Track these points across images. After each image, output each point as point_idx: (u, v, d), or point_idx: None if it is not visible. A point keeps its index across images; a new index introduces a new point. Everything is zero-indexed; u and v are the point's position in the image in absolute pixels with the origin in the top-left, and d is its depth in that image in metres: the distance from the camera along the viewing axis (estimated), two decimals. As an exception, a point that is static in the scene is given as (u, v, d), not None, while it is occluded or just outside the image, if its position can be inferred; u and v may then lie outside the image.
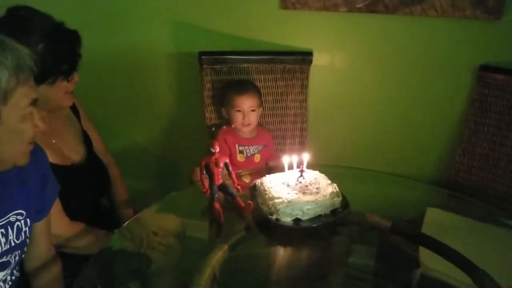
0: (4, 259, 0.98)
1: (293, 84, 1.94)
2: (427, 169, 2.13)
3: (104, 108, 1.95)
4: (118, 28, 1.90)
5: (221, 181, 1.27)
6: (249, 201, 1.25)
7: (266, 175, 1.32)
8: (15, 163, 0.95)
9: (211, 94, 1.87)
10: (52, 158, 1.19)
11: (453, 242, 1.21)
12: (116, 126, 2.06)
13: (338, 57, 2.03)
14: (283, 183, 1.26)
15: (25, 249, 1.05)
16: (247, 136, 1.77)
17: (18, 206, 1.00)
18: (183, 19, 1.91)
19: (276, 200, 1.18)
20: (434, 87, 2.01)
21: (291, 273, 1.23)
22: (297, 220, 1.18)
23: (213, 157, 1.24)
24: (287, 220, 1.18)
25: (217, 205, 1.25)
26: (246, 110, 1.71)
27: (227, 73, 1.88)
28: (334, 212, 1.22)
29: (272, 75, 1.92)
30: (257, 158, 1.78)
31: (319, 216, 1.20)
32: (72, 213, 1.24)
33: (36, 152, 1.02)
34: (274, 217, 1.18)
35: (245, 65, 1.89)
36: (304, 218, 1.18)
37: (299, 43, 1.96)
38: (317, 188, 1.24)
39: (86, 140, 1.44)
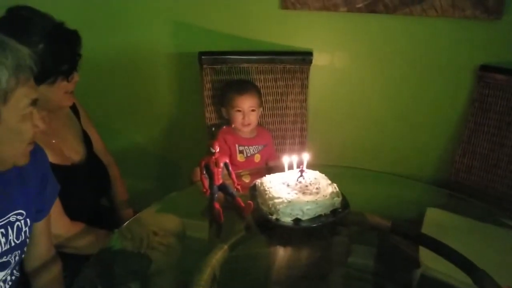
0: (4, 259, 0.98)
1: (293, 84, 1.94)
2: (427, 169, 2.13)
3: (104, 108, 1.95)
4: (118, 28, 1.90)
5: (221, 181, 1.27)
6: (249, 201, 1.25)
7: (266, 175, 1.32)
8: (15, 163, 0.95)
9: (211, 94, 1.87)
10: (52, 158, 1.19)
11: (453, 242, 1.21)
12: (116, 126, 2.06)
13: (338, 57, 2.03)
14: (283, 183, 1.26)
15: (25, 249, 1.05)
16: (247, 136, 1.77)
17: (18, 206, 1.00)
18: (183, 19, 1.92)
19: (276, 200, 1.18)
20: (434, 87, 2.01)
21: (291, 273, 1.23)
22: (297, 220, 1.18)
23: (213, 157, 1.24)
24: (287, 220, 1.18)
25: (217, 205, 1.25)
26: (246, 110, 1.71)
27: (227, 73, 1.88)
28: (334, 212, 1.22)
29: (272, 75, 1.92)
30: (257, 158, 1.78)
31: (319, 216, 1.20)
32: (72, 213, 1.24)
33: (36, 152, 1.02)
34: (274, 217, 1.19)
35: (245, 65, 1.89)
36: (304, 218, 1.18)
37: (299, 43, 1.96)
38: (317, 188, 1.24)
39: (86, 140, 1.44)
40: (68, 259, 1.20)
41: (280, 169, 1.33)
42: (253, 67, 1.90)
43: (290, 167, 1.31)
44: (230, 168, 1.30)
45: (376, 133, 2.11)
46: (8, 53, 0.85)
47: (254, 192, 1.30)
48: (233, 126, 1.75)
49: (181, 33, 1.94)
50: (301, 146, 1.97)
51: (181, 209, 1.42)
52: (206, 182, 1.26)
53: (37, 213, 1.07)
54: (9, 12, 1.17)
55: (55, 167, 1.17)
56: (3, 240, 0.96)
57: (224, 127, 1.80)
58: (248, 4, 1.90)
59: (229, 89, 1.77)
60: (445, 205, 1.53)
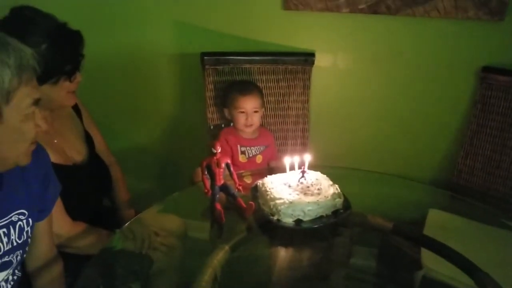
0: (6, 259, 0.99)
1: (295, 85, 1.94)
2: (429, 170, 2.12)
3: (106, 109, 1.96)
4: (120, 28, 1.91)
5: (222, 182, 1.27)
6: (251, 202, 1.25)
7: (268, 176, 1.32)
8: (17, 163, 0.95)
9: (213, 95, 1.87)
10: (54, 158, 1.20)
11: (455, 244, 1.21)
12: (118, 127, 2.07)
13: (340, 58, 2.02)
14: (285, 184, 1.26)
15: (27, 249, 1.06)
16: (249, 136, 1.77)
17: (20, 205, 1.01)
18: (186, 19, 1.92)
19: (278, 201, 1.18)
20: (436, 88, 2.01)
21: (292, 274, 1.23)
22: (298, 221, 1.18)
23: (215, 158, 1.24)
24: (289, 221, 1.18)
25: (218, 206, 1.25)
26: (249, 111, 1.71)
27: (229, 73, 1.88)
28: (335, 213, 1.22)
29: (274, 76, 1.92)
30: (259, 159, 1.78)
31: (321, 217, 1.20)
32: (73, 213, 1.24)
33: (38, 151, 1.02)
34: (275, 218, 1.19)
35: (247, 65, 1.89)
36: (306, 219, 1.18)
37: (301, 44, 1.96)
38: (318, 189, 1.24)
39: (88, 140, 1.44)
40: (70, 259, 1.21)
41: (282, 170, 1.33)
42: (255, 68, 1.90)
43: (292, 168, 1.31)
44: (232, 169, 1.30)
45: (377, 134, 2.11)
46: (11, 53, 0.85)
47: (256, 192, 1.30)
48: (235, 126, 1.76)
49: (184, 34, 1.94)
50: (303, 147, 1.97)
51: (183, 210, 1.43)
52: (208, 183, 1.26)
53: (39, 213, 1.07)
54: (12, 12, 1.17)
55: (57, 167, 1.17)
56: (5, 239, 0.97)
57: (226, 127, 1.80)
58: (250, 5, 1.90)
59: (232, 90, 1.77)
60: (447, 207, 1.53)
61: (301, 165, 1.30)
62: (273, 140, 1.87)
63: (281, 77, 1.93)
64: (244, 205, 1.26)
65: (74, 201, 1.23)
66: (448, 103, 2.02)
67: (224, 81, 1.87)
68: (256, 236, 1.28)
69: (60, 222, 1.19)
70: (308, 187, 1.25)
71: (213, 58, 1.85)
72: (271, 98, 1.93)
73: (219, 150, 1.24)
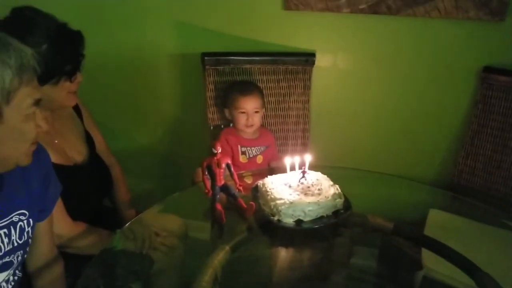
0: (6, 259, 0.99)
1: (295, 85, 1.94)
2: (430, 170, 2.12)
3: (107, 109, 1.96)
4: (121, 28, 1.91)
5: (223, 182, 1.27)
6: (251, 202, 1.25)
7: (268, 176, 1.32)
8: (18, 164, 0.95)
9: (213, 95, 1.87)
10: (54, 158, 1.20)
11: (456, 244, 1.21)
12: (119, 127, 2.07)
13: (340, 58, 2.02)
14: (285, 184, 1.26)
15: (27, 249, 1.06)
16: (249, 137, 1.77)
17: (21, 206, 1.01)
18: (186, 20, 1.92)
19: (278, 201, 1.18)
20: (437, 88, 2.01)
21: (293, 274, 1.23)
22: (299, 221, 1.18)
23: (215, 158, 1.24)
24: (289, 221, 1.18)
25: (219, 206, 1.25)
26: (250, 112, 1.71)
27: (229, 74, 1.88)
28: (336, 213, 1.22)
29: (275, 76, 1.93)
30: (260, 159, 1.78)
31: (321, 217, 1.20)
32: (74, 213, 1.24)
33: (39, 152, 1.02)
34: (276, 218, 1.19)
35: (248, 66, 1.89)
36: (306, 219, 1.18)
37: (302, 44, 1.96)
38: (319, 189, 1.24)
39: (89, 141, 1.44)
40: (70, 259, 1.21)
41: (282, 170, 1.33)
42: (256, 68, 1.90)
43: (292, 168, 1.31)
44: (232, 169, 1.30)
45: (378, 134, 2.11)
46: (11, 53, 0.85)
47: (256, 193, 1.30)
48: (236, 127, 1.76)
49: (184, 34, 1.94)
50: (303, 147, 1.97)
51: (183, 210, 1.43)
52: (208, 183, 1.26)
53: (39, 213, 1.07)
54: (13, 12, 1.17)
55: (57, 168, 1.17)
56: (6, 240, 0.97)
57: (226, 128, 1.80)
58: (251, 5, 1.90)
59: (232, 90, 1.77)
60: (447, 207, 1.53)
61: (301, 165, 1.30)
62: (274, 140, 1.87)
63: (282, 77, 1.93)
64: (244, 205, 1.26)
65: (75, 201, 1.23)
66: (448, 103, 2.02)
67: (225, 81, 1.87)
68: (257, 237, 1.28)
69: (60, 223, 1.19)
70: (308, 187, 1.25)
71: (213, 58, 1.85)
72: (271, 99, 1.93)
73: (220, 151, 1.24)
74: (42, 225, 1.10)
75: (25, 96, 0.88)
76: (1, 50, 0.84)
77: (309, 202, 1.18)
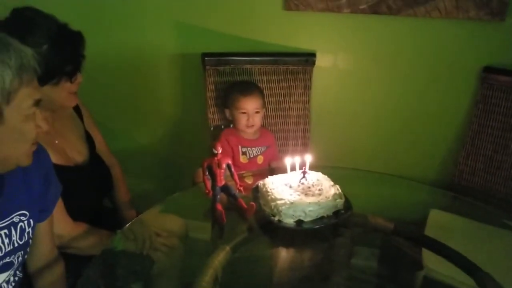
0: (7, 260, 0.99)
1: (296, 85, 1.94)
2: (430, 170, 2.12)
3: (107, 109, 1.96)
4: (121, 29, 1.91)
5: (223, 182, 1.27)
6: (252, 203, 1.25)
7: (269, 176, 1.32)
8: (18, 164, 0.95)
9: (214, 95, 1.87)
10: (55, 159, 1.20)
11: (456, 244, 1.21)
12: (119, 127, 2.07)
13: (341, 59, 2.02)
14: (286, 185, 1.26)
15: (28, 249, 1.06)
16: (250, 137, 1.77)
17: (21, 206, 1.01)
18: (187, 20, 1.92)
19: (279, 202, 1.18)
20: (437, 88, 2.01)
21: (293, 274, 1.23)
22: (299, 222, 1.18)
23: (216, 158, 1.24)
24: (290, 221, 1.18)
25: (219, 206, 1.25)
26: (251, 112, 1.71)
27: (230, 74, 1.88)
28: (336, 213, 1.22)
29: (275, 76, 1.93)
30: (260, 159, 1.78)
31: (322, 217, 1.20)
32: (74, 214, 1.24)
33: (39, 152, 1.02)
34: (276, 218, 1.18)
35: (248, 66, 1.89)
36: (307, 219, 1.18)
37: (302, 44, 1.96)
38: (319, 190, 1.24)
39: (89, 141, 1.44)
40: (71, 260, 1.21)
41: (283, 170, 1.33)
42: (256, 68, 1.90)
43: (293, 169, 1.31)
44: (233, 169, 1.30)
45: (378, 134, 2.11)
46: (11, 53, 0.85)
47: (257, 193, 1.30)
48: (236, 127, 1.75)
49: (184, 34, 1.94)
50: (304, 147, 1.97)
51: (184, 210, 1.42)
52: (209, 183, 1.26)
53: (40, 214, 1.07)
54: (13, 13, 1.17)
55: (58, 168, 1.17)
56: (6, 241, 0.97)
57: (227, 128, 1.80)
58: (251, 5, 1.90)
59: (233, 90, 1.77)
60: (448, 207, 1.53)
61: (302, 165, 1.30)
62: (274, 140, 1.87)
63: (282, 77, 1.93)
64: (245, 205, 1.26)
65: (75, 202, 1.23)
66: (449, 103, 2.02)
67: (225, 82, 1.87)
68: (257, 237, 1.28)
69: (61, 223, 1.19)
70: (309, 187, 1.25)
71: (214, 59, 1.85)
72: (272, 99, 1.93)
73: (220, 151, 1.24)
74: (43, 225, 1.10)
75: (25, 96, 0.88)
76: (1, 50, 0.84)
77: (309, 203, 1.18)
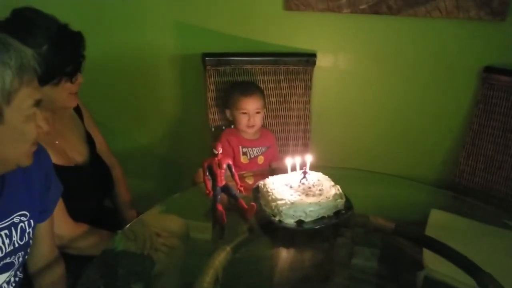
0: (7, 260, 0.99)
1: (296, 86, 1.94)
2: (431, 170, 2.12)
3: (108, 110, 1.96)
4: (122, 29, 1.91)
5: (224, 183, 1.27)
6: (252, 203, 1.25)
7: (269, 177, 1.32)
8: (18, 164, 0.95)
9: (214, 96, 1.87)
10: (55, 159, 1.20)
11: (457, 244, 1.21)
12: (120, 127, 2.07)
13: (341, 59, 2.02)
14: (286, 185, 1.26)
15: (28, 250, 1.06)
16: (250, 137, 1.77)
17: (21, 207, 1.01)
18: (187, 20, 1.92)
19: (279, 202, 1.18)
20: (438, 88, 2.01)
21: (294, 275, 1.23)
22: (300, 222, 1.18)
23: (216, 159, 1.24)
24: (290, 221, 1.17)
25: (220, 207, 1.25)
26: (251, 112, 1.71)
27: (230, 74, 1.88)
28: (337, 214, 1.22)
29: (276, 77, 1.93)
30: (261, 159, 1.78)
31: (322, 218, 1.20)
32: (75, 214, 1.24)
33: (39, 153, 1.02)
34: (277, 218, 1.18)
35: (249, 66, 1.89)
36: (307, 220, 1.18)
37: (303, 44, 1.96)
38: (320, 190, 1.24)
39: (90, 141, 1.44)
40: (71, 260, 1.21)
41: (283, 170, 1.33)
42: (257, 69, 1.90)
43: (293, 169, 1.31)
44: (233, 170, 1.30)
45: (379, 134, 2.11)
46: (12, 53, 0.85)
47: (257, 193, 1.30)
48: (237, 127, 1.75)
49: (185, 35, 1.94)
50: (304, 147, 1.97)
51: (184, 211, 1.42)
52: (209, 184, 1.26)
53: (40, 214, 1.07)
54: (14, 13, 1.17)
55: (58, 168, 1.17)
56: (7, 241, 0.97)
57: (227, 128, 1.80)
58: (251, 5, 1.90)
59: (234, 91, 1.77)
60: (449, 207, 1.53)
61: (302, 165, 1.30)
62: (275, 141, 1.87)
63: (283, 77, 1.93)
64: (245, 206, 1.26)
65: (76, 202, 1.23)
66: (449, 103, 2.02)
67: (226, 82, 1.87)
68: (258, 237, 1.28)
69: (61, 223, 1.19)
70: (309, 188, 1.25)
71: (214, 59, 1.85)
72: (272, 99, 1.93)
73: (221, 151, 1.24)
74: (43, 226, 1.10)
75: (26, 96, 0.88)
76: (1, 50, 0.84)
77: (310, 203, 1.18)
